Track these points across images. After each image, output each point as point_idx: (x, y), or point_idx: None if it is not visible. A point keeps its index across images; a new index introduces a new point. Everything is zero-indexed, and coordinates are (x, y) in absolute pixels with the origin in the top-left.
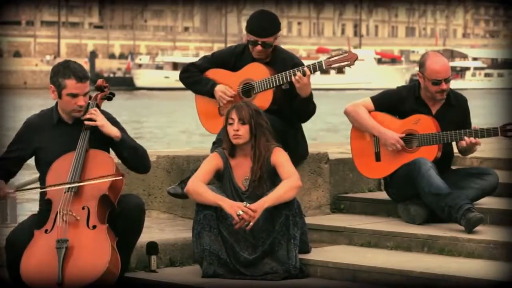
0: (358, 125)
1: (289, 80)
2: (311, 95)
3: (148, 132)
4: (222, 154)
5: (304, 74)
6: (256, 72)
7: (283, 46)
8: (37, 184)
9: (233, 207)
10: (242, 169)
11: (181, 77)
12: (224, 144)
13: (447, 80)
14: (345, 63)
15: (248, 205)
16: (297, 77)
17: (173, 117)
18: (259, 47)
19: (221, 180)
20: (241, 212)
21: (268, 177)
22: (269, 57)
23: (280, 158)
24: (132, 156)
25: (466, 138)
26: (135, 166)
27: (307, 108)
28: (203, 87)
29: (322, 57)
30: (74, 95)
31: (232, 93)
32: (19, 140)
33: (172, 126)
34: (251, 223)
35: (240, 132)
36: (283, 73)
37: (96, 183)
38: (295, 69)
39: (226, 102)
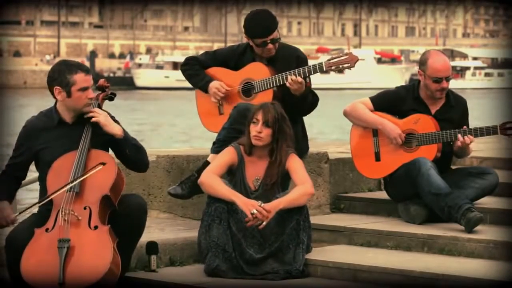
0: (359, 122)
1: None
2: (305, 93)
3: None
4: (238, 149)
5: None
6: (256, 71)
7: None
8: (37, 184)
9: (247, 205)
10: (254, 168)
11: (182, 69)
12: (242, 140)
13: (447, 79)
14: (346, 65)
15: (262, 204)
16: (289, 82)
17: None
18: (270, 45)
19: (233, 175)
20: (255, 211)
21: (280, 181)
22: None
23: (295, 164)
24: (134, 153)
25: (460, 137)
26: (136, 164)
27: (302, 104)
28: (199, 81)
29: (322, 57)
30: (85, 89)
31: (225, 90)
32: (21, 145)
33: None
34: (264, 223)
35: (262, 134)
36: (283, 73)
37: (99, 183)
38: (296, 69)
39: (219, 98)
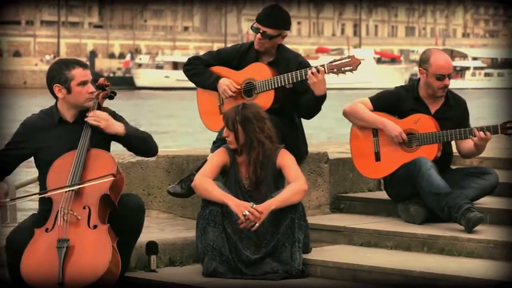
0: (359, 122)
1: (290, 82)
2: (326, 95)
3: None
4: (229, 150)
5: (318, 71)
6: (258, 72)
7: None
8: (37, 184)
9: (239, 207)
10: (244, 167)
11: (184, 69)
12: None
13: (449, 76)
14: (348, 68)
15: (254, 206)
16: (310, 73)
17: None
18: (258, 35)
19: (226, 176)
20: (247, 213)
21: (272, 179)
22: (273, 56)
23: (287, 160)
24: (140, 144)
25: (476, 132)
26: (144, 153)
27: (318, 107)
28: (207, 79)
29: (322, 57)
30: (84, 83)
31: (235, 88)
32: (18, 140)
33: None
34: (256, 224)
35: (229, 138)
36: (285, 74)
37: (97, 183)
38: (297, 71)
39: (229, 96)
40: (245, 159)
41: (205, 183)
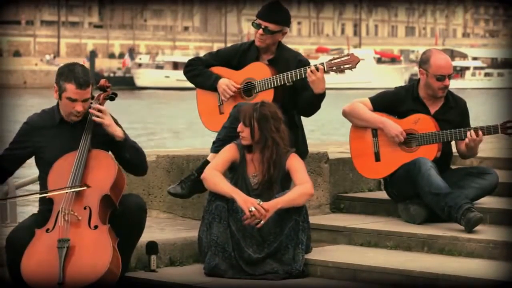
0: (359, 122)
1: (290, 80)
2: (325, 93)
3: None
4: (239, 146)
5: (317, 69)
6: (257, 71)
7: None
8: (37, 184)
9: (247, 202)
10: (255, 166)
11: (185, 70)
12: None
13: (450, 77)
14: (347, 65)
15: (261, 203)
16: (309, 71)
17: None
18: (260, 31)
19: (234, 172)
20: (253, 209)
21: (280, 181)
22: (273, 54)
23: (296, 164)
24: (134, 156)
25: (468, 134)
26: (135, 167)
27: (317, 104)
28: (207, 80)
29: (322, 57)
30: (73, 100)
31: (235, 88)
32: (21, 139)
33: None
34: (262, 222)
35: (243, 134)
36: (284, 73)
37: (99, 183)
38: (297, 70)
39: (229, 96)
40: (256, 157)
41: (215, 176)
